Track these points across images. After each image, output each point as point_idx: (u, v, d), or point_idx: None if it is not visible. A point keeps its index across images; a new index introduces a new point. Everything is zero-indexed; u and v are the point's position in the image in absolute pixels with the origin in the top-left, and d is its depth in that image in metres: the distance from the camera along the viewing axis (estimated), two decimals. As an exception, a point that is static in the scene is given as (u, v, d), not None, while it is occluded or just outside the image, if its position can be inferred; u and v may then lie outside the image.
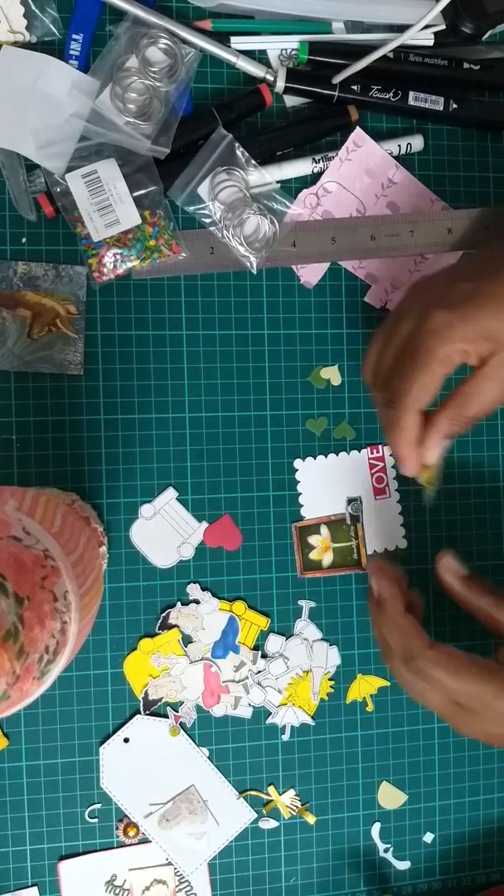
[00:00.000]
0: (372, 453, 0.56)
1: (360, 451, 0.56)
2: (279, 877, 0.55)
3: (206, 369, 0.55)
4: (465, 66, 0.56)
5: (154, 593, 0.54)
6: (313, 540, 0.56)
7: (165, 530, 0.54)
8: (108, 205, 0.51)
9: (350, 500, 0.56)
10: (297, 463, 0.56)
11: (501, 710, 0.43)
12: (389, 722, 0.56)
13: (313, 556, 0.56)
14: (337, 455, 0.56)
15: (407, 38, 0.52)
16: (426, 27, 0.56)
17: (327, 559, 0.56)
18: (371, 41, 0.54)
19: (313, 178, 0.56)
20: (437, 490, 0.53)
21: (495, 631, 0.47)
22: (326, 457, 0.56)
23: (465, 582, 0.48)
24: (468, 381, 0.44)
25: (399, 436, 0.45)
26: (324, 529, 0.56)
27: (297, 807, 0.55)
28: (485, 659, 0.45)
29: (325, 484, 0.56)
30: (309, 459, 0.56)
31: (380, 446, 0.57)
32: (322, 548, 0.56)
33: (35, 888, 0.52)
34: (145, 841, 0.53)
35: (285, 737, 0.55)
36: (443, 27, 0.56)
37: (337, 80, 0.53)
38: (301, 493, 0.56)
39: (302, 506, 0.56)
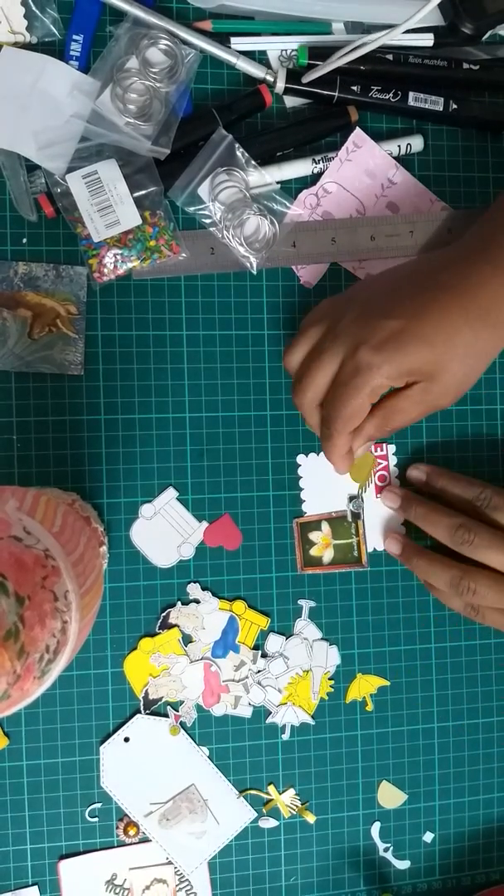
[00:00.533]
0: (375, 451, 0.57)
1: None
2: (279, 876, 0.55)
3: (206, 369, 0.55)
4: (465, 66, 0.56)
5: (154, 593, 0.54)
6: (314, 536, 0.56)
7: (165, 530, 0.54)
8: (108, 205, 0.51)
9: (352, 498, 0.56)
10: (300, 458, 0.56)
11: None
12: (389, 722, 0.56)
13: (314, 552, 0.56)
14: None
15: (388, 40, 0.52)
16: (420, 30, 0.56)
17: (328, 556, 0.56)
18: (371, 41, 0.54)
19: (313, 179, 0.56)
20: (369, 483, 0.56)
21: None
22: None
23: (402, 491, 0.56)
24: (394, 397, 0.48)
25: (333, 451, 0.50)
26: (325, 526, 0.56)
27: (297, 806, 0.55)
28: None
29: (327, 480, 0.56)
30: (312, 455, 0.56)
31: (384, 445, 0.57)
32: (323, 544, 0.56)
33: (35, 887, 0.52)
34: (145, 840, 0.53)
35: (285, 736, 0.55)
36: (440, 24, 0.56)
37: (307, 79, 0.53)
38: (303, 489, 0.56)
39: (304, 501, 0.56)
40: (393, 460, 0.57)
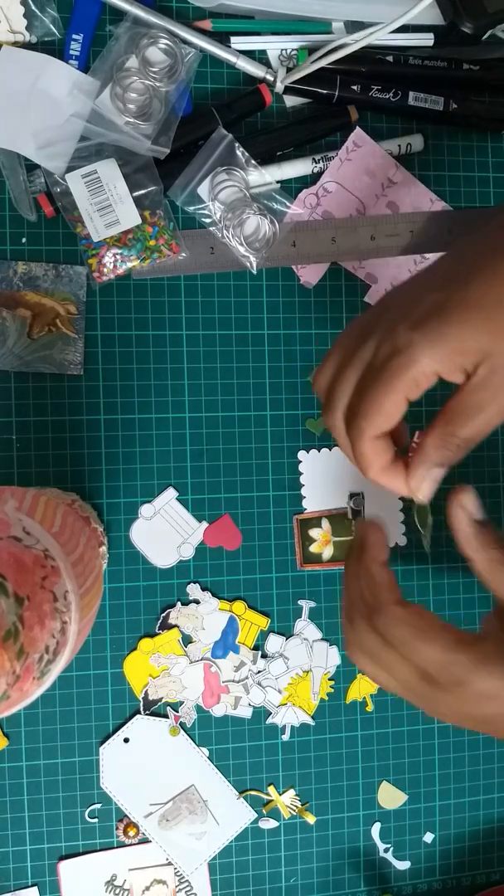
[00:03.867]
0: (418, 438, 0.56)
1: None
2: (279, 877, 0.55)
3: (206, 369, 0.55)
4: (465, 66, 0.56)
5: (154, 593, 0.54)
6: (314, 533, 0.56)
7: (165, 530, 0.54)
8: (108, 205, 0.51)
9: (352, 495, 0.56)
10: (301, 454, 0.56)
11: (477, 687, 0.36)
12: (389, 722, 0.56)
13: (314, 549, 0.56)
14: (340, 451, 0.56)
15: (373, 39, 0.52)
16: (420, 29, 0.56)
17: (327, 553, 0.56)
18: (370, 42, 0.54)
19: (313, 178, 0.56)
20: (432, 535, 0.46)
21: (493, 590, 0.39)
22: (331, 450, 0.56)
23: (476, 527, 0.39)
24: (456, 395, 0.38)
25: (360, 463, 0.40)
26: (325, 523, 0.56)
27: (297, 807, 0.55)
28: (465, 629, 0.38)
29: (328, 477, 0.56)
30: (313, 452, 0.56)
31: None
32: (322, 541, 0.56)
33: (35, 888, 0.52)
34: (145, 841, 0.53)
35: (285, 737, 0.55)
36: (440, 24, 0.56)
37: (288, 80, 0.53)
38: (304, 486, 0.56)
39: (304, 497, 0.56)
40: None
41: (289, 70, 0.54)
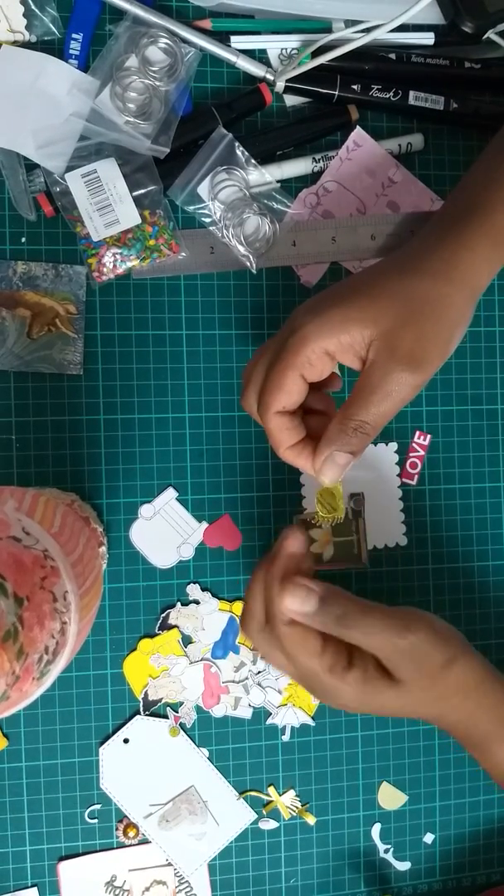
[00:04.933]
0: (418, 438, 0.56)
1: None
2: (279, 877, 0.55)
3: (206, 369, 0.55)
4: (466, 65, 0.56)
5: (154, 593, 0.54)
6: (314, 533, 0.56)
7: (165, 530, 0.54)
8: (107, 204, 0.51)
9: (352, 495, 0.56)
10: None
11: (341, 700, 0.41)
12: (389, 722, 0.56)
13: (314, 549, 0.56)
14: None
15: (373, 37, 0.52)
16: (421, 29, 0.56)
17: (327, 553, 0.56)
18: (370, 40, 0.53)
19: (313, 178, 0.56)
20: (331, 522, 0.47)
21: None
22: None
23: (314, 616, 0.41)
24: (356, 381, 0.41)
25: (270, 439, 0.43)
26: (325, 523, 0.56)
27: (297, 807, 0.55)
28: (336, 645, 0.42)
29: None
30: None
31: (427, 435, 0.57)
32: (323, 541, 0.56)
33: (35, 889, 0.52)
34: (145, 842, 0.53)
35: (285, 737, 0.55)
36: (441, 23, 0.56)
37: (285, 76, 0.53)
38: (303, 486, 0.56)
39: (304, 497, 0.56)
40: (394, 458, 0.57)
41: (283, 62, 0.54)
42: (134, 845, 0.53)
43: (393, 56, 0.55)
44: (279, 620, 0.42)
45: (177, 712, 0.54)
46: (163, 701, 0.53)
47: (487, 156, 0.48)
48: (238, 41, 0.54)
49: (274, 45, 0.54)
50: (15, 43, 0.51)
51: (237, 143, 0.53)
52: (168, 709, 0.54)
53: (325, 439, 0.42)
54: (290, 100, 0.55)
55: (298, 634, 0.41)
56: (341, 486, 0.44)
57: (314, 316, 0.40)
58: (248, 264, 0.54)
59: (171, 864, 0.53)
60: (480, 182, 0.46)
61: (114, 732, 0.53)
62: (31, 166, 0.51)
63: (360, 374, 0.41)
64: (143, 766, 0.53)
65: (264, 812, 0.55)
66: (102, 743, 0.53)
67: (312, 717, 0.55)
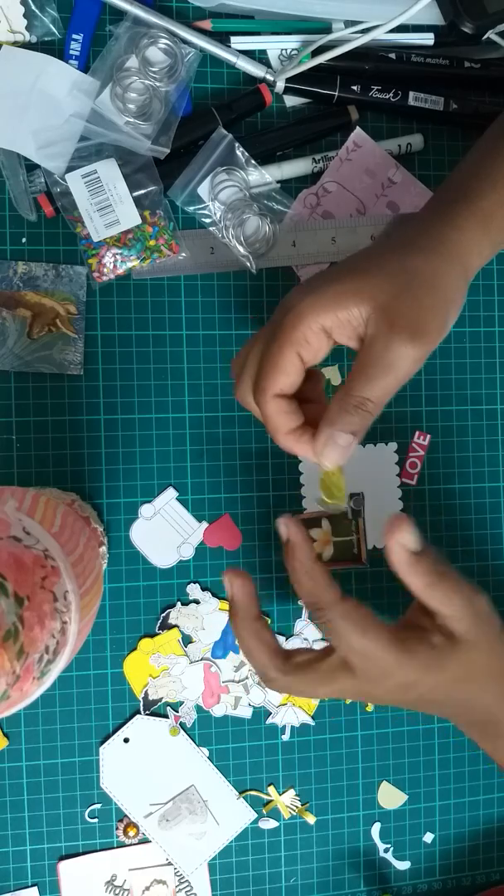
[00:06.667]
0: (418, 438, 0.56)
1: (363, 447, 0.56)
2: (279, 877, 0.55)
3: (206, 369, 0.55)
4: (466, 65, 0.56)
5: (154, 593, 0.54)
6: (314, 533, 0.56)
7: (165, 530, 0.54)
8: (108, 205, 0.51)
9: (352, 495, 0.56)
10: (302, 454, 0.56)
11: (394, 679, 0.41)
12: (389, 722, 0.56)
13: (314, 548, 0.56)
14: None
15: (372, 37, 0.52)
16: (421, 29, 0.56)
17: (327, 553, 0.56)
18: (369, 40, 0.54)
19: (313, 178, 0.56)
20: (333, 511, 0.46)
21: (430, 606, 0.42)
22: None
23: (413, 558, 0.41)
24: (355, 359, 0.40)
25: (267, 425, 0.42)
26: (325, 523, 0.56)
27: (297, 807, 0.55)
28: (393, 625, 0.42)
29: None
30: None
31: (427, 435, 0.57)
32: (323, 541, 0.56)
33: (35, 888, 0.52)
34: (145, 841, 0.53)
35: (285, 737, 0.55)
36: (441, 24, 0.56)
37: (285, 75, 0.53)
38: (303, 486, 0.56)
39: (304, 497, 0.56)
40: (394, 458, 0.57)
41: (283, 62, 0.54)
42: (134, 845, 0.53)
43: (393, 56, 0.55)
44: (331, 603, 0.41)
45: (177, 712, 0.54)
46: (163, 700, 0.53)
47: (478, 147, 0.49)
48: (238, 42, 0.54)
49: (274, 45, 0.55)
50: (15, 43, 0.51)
51: (237, 144, 0.53)
52: (168, 708, 0.54)
53: (325, 420, 0.40)
54: (290, 100, 0.56)
55: (355, 608, 0.41)
56: (342, 472, 0.43)
57: (308, 294, 0.40)
58: (248, 265, 0.54)
59: (171, 864, 0.53)
60: (468, 172, 0.47)
61: (114, 732, 0.53)
62: (31, 167, 0.51)
63: (358, 352, 0.40)
64: (143, 766, 0.53)
65: (264, 811, 0.55)
66: (102, 742, 0.53)
67: (312, 717, 0.55)
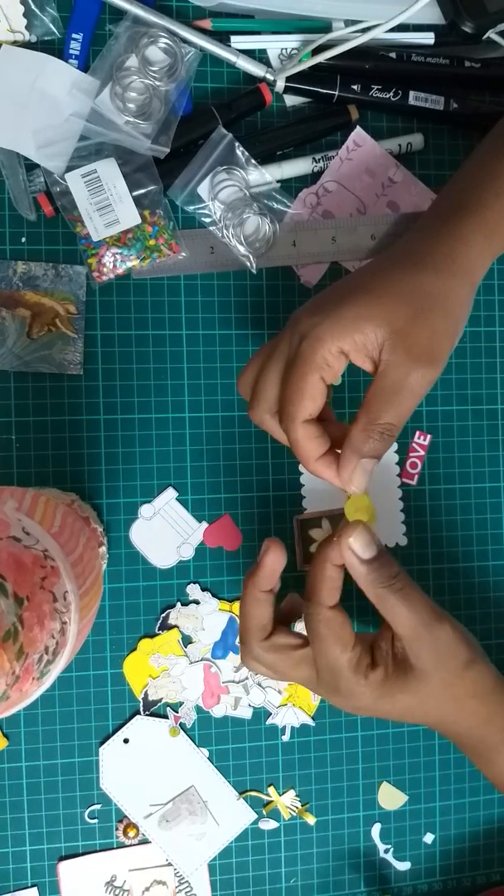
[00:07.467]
0: (418, 438, 0.56)
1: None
2: (279, 877, 0.55)
3: (206, 369, 0.55)
4: (466, 64, 0.56)
5: (154, 594, 0.54)
6: (315, 533, 0.56)
7: (165, 530, 0.54)
8: (107, 204, 0.51)
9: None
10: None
11: (349, 701, 0.43)
12: (389, 722, 0.56)
13: (314, 549, 0.56)
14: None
15: (371, 36, 0.52)
16: (421, 29, 0.56)
17: None
18: (369, 39, 0.53)
19: (313, 178, 0.56)
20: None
21: (385, 618, 0.42)
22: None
23: (366, 566, 0.42)
24: (372, 383, 0.41)
25: (298, 452, 0.42)
26: (325, 523, 0.56)
27: (297, 807, 0.55)
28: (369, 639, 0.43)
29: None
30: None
31: (427, 435, 0.57)
32: None
33: (35, 889, 0.52)
34: (145, 842, 0.53)
35: (285, 737, 0.55)
36: (441, 23, 0.56)
37: (285, 74, 0.53)
38: (303, 486, 0.56)
39: (304, 497, 0.56)
40: (394, 458, 0.57)
41: (283, 62, 0.54)
42: (134, 845, 0.53)
43: (393, 55, 0.55)
44: (321, 605, 0.42)
45: (177, 712, 0.54)
46: (163, 701, 0.53)
47: (478, 153, 0.49)
48: (238, 41, 0.54)
49: (274, 45, 0.54)
50: (15, 43, 0.51)
51: (237, 143, 0.53)
52: (168, 709, 0.54)
53: (349, 447, 0.41)
54: (290, 100, 0.55)
55: (339, 622, 0.42)
56: (368, 493, 0.44)
57: (323, 318, 0.40)
58: (248, 264, 0.54)
59: (171, 864, 0.53)
60: (472, 179, 0.47)
61: (114, 732, 0.53)
62: (31, 166, 0.51)
63: (375, 376, 0.41)
64: (143, 766, 0.53)
65: (264, 812, 0.55)
66: (102, 743, 0.53)
67: (312, 717, 0.55)
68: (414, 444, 0.57)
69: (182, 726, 0.54)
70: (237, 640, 0.54)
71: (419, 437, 0.57)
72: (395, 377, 0.40)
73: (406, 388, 0.40)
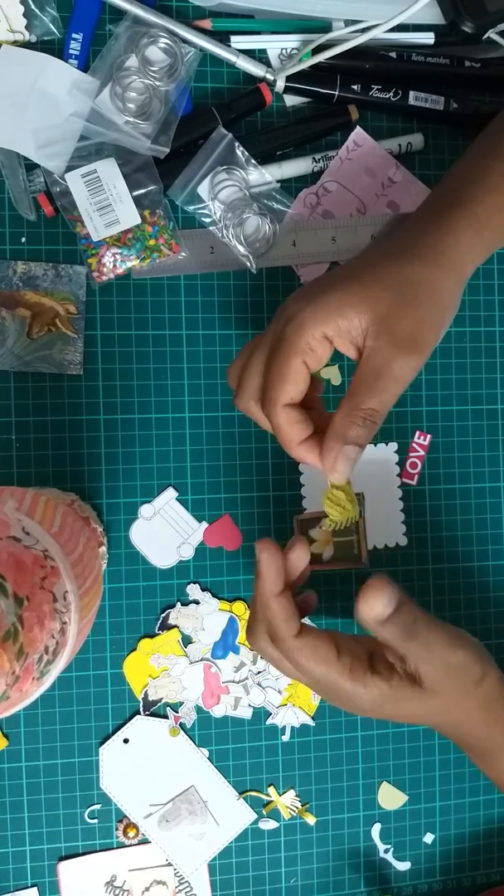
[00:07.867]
0: (418, 438, 0.56)
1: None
2: (279, 877, 0.55)
3: (206, 369, 0.55)
4: (466, 64, 0.56)
5: (154, 594, 0.54)
6: (314, 533, 0.56)
7: (165, 530, 0.54)
8: (107, 204, 0.51)
9: None
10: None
11: (353, 704, 0.42)
12: (389, 722, 0.56)
13: (314, 549, 0.55)
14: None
15: (371, 36, 0.52)
16: (421, 28, 0.56)
17: (327, 553, 0.56)
18: (368, 38, 0.53)
19: (313, 178, 0.56)
20: (345, 523, 0.45)
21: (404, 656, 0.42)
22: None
23: (383, 623, 0.40)
24: (355, 370, 0.41)
25: (279, 436, 0.42)
26: (338, 526, 0.56)
27: (297, 807, 0.55)
28: (352, 650, 0.43)
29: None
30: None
31: (427, 435, 0.57)
32: (323, 541, 0.56)
33: (35, 889, 0.52)
34: (145, 842, 0.53)
35: (285, 737, 0.55)
36: (441, 23, 0.56)
37: (285, 73, 0.53)
38: (304, 486, 0.56)
39: (304, 497, 0.56)
40: (394, 458, 0.57)
41: (283, 61, 0.54)
42: (134, 845, 0.53)
43: (393, 55, 0.55)
44: (286, 635, 0.42)
45: (177, 712, 0.54)
46: (163, 701, 0.53)
47: (472, 150, 0.49)
48: (238, 41, 0.54)
49: (274, 44, 0.54)
50: (15, 43, 0.51)
51: (237, 143, 0.53)
52: (168, 709, 0.54)
53: (332, 433, 0.41)
54: (290, 100, 0.55)
55: (309, 646, 0.42)
56: (350, 483, 0.43)
57: (308, 302, 0.40)
58: (248, 264, 0.54)
59: (171, 864, 0.53)
60: (464, 175, 0.47)
61: (114, 732, 0.53)
62: (31, 166, 0.51)
63: (358, 363, 0.41)
64: (143, 766, 0.53)
65: (264, 812, 0.55)
66: (102, 743, 0.53)
67: (312, 717, 0.55)
68: (414, 444, 0.57)
69: (182, 726, 0.54)
70: (237, 639, 0.54)
71: (419, 437, 0.57)
72: (379, 363, 0.40)
73: (389, 375, 0.40)
